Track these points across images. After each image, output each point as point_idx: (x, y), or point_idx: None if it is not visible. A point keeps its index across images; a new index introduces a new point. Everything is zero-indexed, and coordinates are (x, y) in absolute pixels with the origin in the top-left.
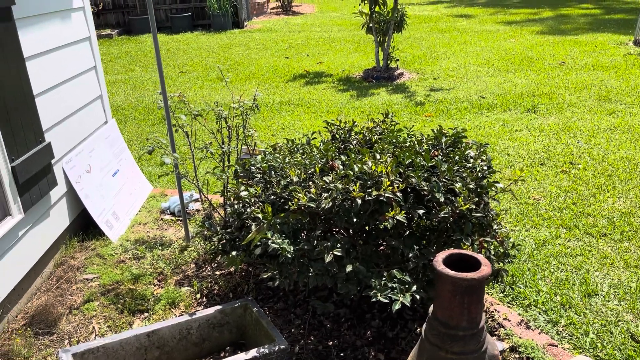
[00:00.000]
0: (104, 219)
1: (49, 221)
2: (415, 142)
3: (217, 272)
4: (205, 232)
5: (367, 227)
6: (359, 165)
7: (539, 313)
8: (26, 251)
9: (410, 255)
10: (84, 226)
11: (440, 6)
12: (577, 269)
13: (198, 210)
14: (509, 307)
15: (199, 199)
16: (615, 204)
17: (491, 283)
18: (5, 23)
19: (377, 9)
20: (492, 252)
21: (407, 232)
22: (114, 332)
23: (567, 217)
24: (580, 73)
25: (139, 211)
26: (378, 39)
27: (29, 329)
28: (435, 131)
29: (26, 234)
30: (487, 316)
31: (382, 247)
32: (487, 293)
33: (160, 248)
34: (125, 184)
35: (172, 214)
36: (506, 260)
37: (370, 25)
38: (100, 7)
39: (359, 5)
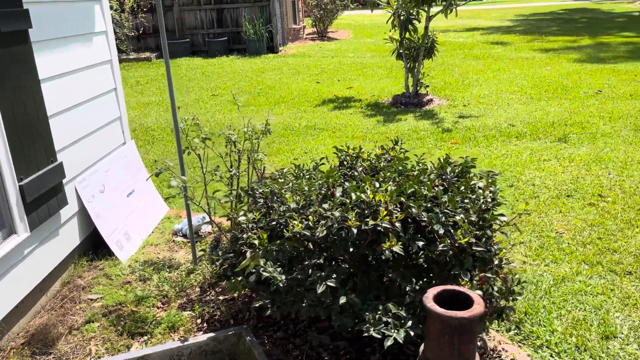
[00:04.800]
0: (114, 239)
1: (58, 240)
2: (420, 171)
3: (221, 297)
4: (212, 256)
5: (369, 257)
6: (357, 194)
7: (551, 355)
8: (31, 270)
9: (408, 288)
10: (94, 245)
11: (477, 33)
12: (597, 308)
13: (210, 233)
14: (519, 346)
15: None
16: None
17: (496, 321)
18: (20, 46)
19: (407, 35)
20: (496, 289)
21: (410, 264)
22: (110, 355)
23: (590, 253)
24: (617, 102)
25: (152, 232)
26: (408, 65)
27: (26, 348)
28: (442, 160)
29: (32, 252)
30: (494, 355)
31: (386, 279)
32: (497, 331)
33: (167, 270)
34: (139, 204)
35: (184, 236)
36: (510, 298)
37: (401, 51)
38: (141, 31)
39: (390, 31)
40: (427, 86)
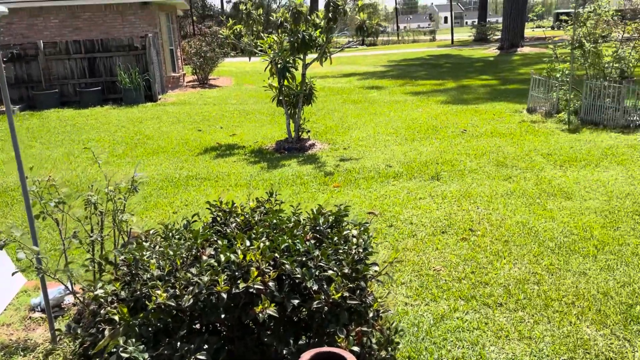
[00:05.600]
0: None
1: None
2: (293, 224)
3: None
4: (72, 334)
5: (245, 321)
6: (227, 254)
7: None
8: None
9: (285, 352)
10: None
11: (354, 78)
12: (474, 344)
13: (75, 305)
14: None
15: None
16: (511, 270)
17: None
18: None
19: (285, 82)
20: (375, 341)
21: (291, 322)
22: None
23: (465, 288)
24: (479, 140)
25: (5, 309)
26: (289, 111)
27: None
28: (315, 211)
29: None
30: None
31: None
32: None
33: (22, 353)
34: None
35: (43, 310)
36: (390, 348)
37: (280, 98)
38: None
39: (269, 79)
40: (309, 131)
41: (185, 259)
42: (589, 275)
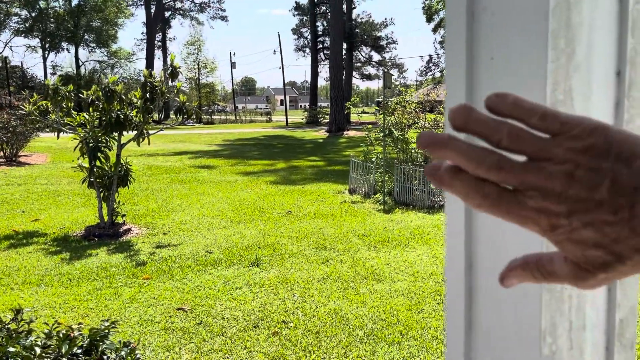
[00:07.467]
0: None
1: None
2: (25, 357)
3: None
4: None
5: None
6: None
7: None
8: None
9: None
10: None
11: (185, 157)
12: None
13: None
14: None
15: None
16: None
17: None
18: None
19: (97, 163)
20: None
21: None
22: None
23: None
24: (303, 222)
25: None
26: (102, 194)
27: None
28: (62, 335)
29: None
30: None
31: None
32: None
33: None
34: None
35: None
36: None
37: (92, 180)
38: None
39: (79, 159)
40: (124, 215)
41: None
42: None
